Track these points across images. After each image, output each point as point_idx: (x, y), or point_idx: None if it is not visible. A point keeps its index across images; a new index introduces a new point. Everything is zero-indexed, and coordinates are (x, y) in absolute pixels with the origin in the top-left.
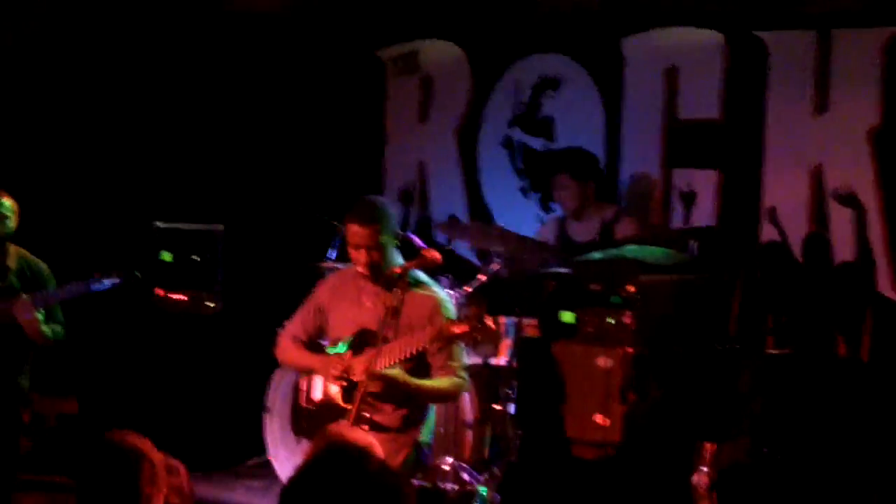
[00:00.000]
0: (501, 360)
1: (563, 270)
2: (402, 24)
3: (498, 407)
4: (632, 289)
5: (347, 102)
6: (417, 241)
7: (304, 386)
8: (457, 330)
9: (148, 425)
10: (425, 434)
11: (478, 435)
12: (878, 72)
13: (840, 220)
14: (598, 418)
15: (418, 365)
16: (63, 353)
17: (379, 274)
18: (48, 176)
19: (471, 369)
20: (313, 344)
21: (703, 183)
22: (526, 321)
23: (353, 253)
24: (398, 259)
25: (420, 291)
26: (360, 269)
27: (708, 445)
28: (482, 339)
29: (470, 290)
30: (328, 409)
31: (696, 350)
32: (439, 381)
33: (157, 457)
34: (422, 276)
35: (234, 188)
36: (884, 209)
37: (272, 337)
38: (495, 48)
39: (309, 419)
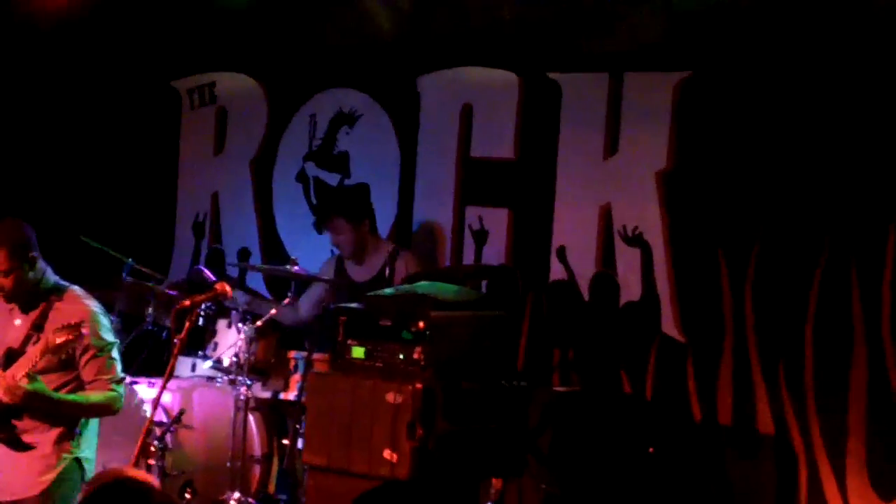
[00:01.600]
0: (291, 394)
1: (353, 306)
2: (198, 55)
3: (286, 441)
4: (422, 325)
5: (142, 131)
6: (208, 274)
7: None
8: (59, 339)
9: None
10: (84, 449)
11: (265, 469)
12: (668, 115)
13: (627, 260)
14: (387, 453)
15: (75, 379)
16: None
17: (22, 295)
18: None
19: (259, 403)
20: None
21: (496, 221)
22: (316, 356)
23: None
24: (49, 274)
25: (68, 305)
26: None
27: (495, 481)
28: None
29: (260, 323)
30: None
31: (485, 386)
32: (88, 395)
33: None
34: (76, 290)
35: (20, 215)
36: (670, 250)
37: None
38: (292, 81)
39: None
